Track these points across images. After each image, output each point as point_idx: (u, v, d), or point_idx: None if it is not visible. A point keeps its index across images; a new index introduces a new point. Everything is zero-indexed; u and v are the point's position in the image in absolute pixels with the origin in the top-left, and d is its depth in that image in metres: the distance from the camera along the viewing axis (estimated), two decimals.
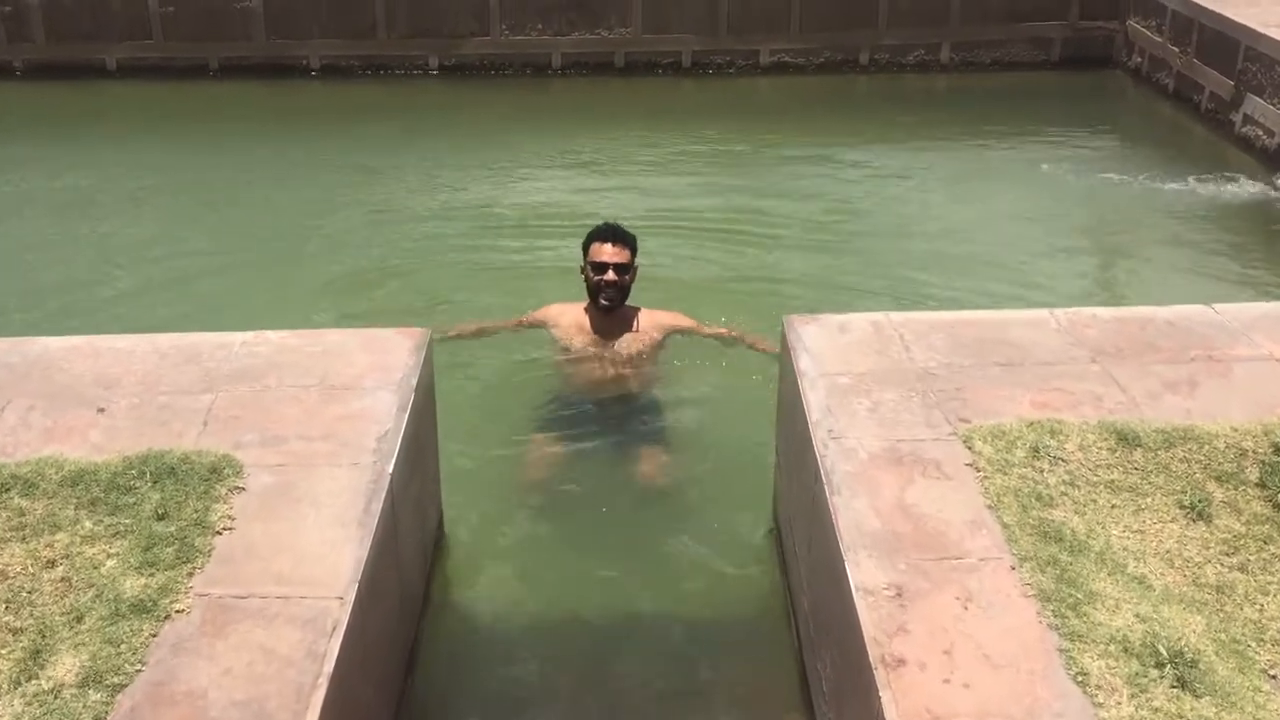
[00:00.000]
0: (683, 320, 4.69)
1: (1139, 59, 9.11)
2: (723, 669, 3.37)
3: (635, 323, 4.54)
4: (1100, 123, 8.42)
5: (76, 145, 7.68)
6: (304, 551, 2.60)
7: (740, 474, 4.16)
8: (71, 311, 5.22)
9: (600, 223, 4.52)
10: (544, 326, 4.68)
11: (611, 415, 4.41)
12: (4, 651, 2.32)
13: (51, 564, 2.56)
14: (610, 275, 4.36)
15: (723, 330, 4.76)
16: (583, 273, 4.48)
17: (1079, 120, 8.37)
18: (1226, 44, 7.85)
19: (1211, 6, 8.12)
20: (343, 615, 2.42)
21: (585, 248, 4.46)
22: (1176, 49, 8.51)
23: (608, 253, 4.37)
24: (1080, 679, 2.28)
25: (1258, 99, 7.42)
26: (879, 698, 2.26)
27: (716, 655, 3.42)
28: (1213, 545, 2.76)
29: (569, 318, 4.58)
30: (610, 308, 4.44)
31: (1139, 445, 3.03)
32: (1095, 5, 9.36)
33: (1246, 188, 6.92)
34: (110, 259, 5.83)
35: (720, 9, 9.11)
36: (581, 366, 4.50)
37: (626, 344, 4.51)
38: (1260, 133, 7.39)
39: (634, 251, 4.44)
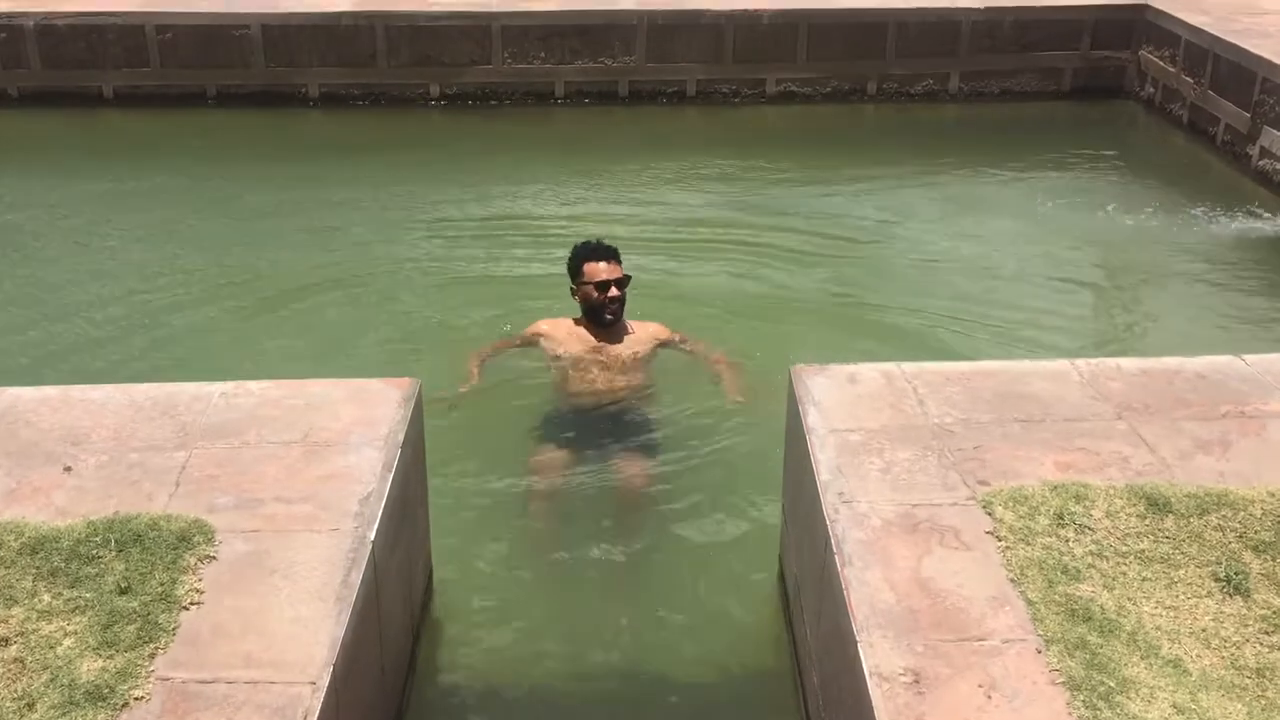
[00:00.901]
0: (665, 332, 4.74)
1: (1152, 89, 8.96)
2: None
3: (629, 329, 4.62)
4: (1113, 155, 8.25)
5: (69, 175, 7.53)
6: (276, 630, 2.42)
7: (745, 500, 4.05)
8: (58, 349, 5.06)
9: (583, 241, 4.57)
10: (537, 342, 4.68)
11: (612, 422, 4.39)
12: None
13: (5, 642, 2.38)
14: (614, 291, 4.44)
15: (700, 346, 4.80)
16: (574, 293, 4.54)
17: (1091, 152, 8.20)
18: (1243, 75, 7.69)
19: (1226, 37, 7.97)
20: (315, 703, 2.24)
21: (575, 268, 4.51)
22: (1191, 80, 8.36)
23: (605, 270, 4.45)
24: None
25: (1275, 131, 7.26)
26: None
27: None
28: (1251, 623, 2.57)
29: (563, 330, 4.62)
30: (614, 322, 4.51)
31: (1170, 511, 2.85)
32: (1106, 35, 9.20)
33: (1266, 223, 6.74)
34: (97, 295, 5.64)
35: (725, 38, 8.97)
36: (582, 373, 4.52)
37: (623, 349, 4.57)
38: (1279, 166, 7.22)
39: (621, 262, 4.52)
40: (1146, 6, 9.11)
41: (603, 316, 4.48)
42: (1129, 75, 9.25)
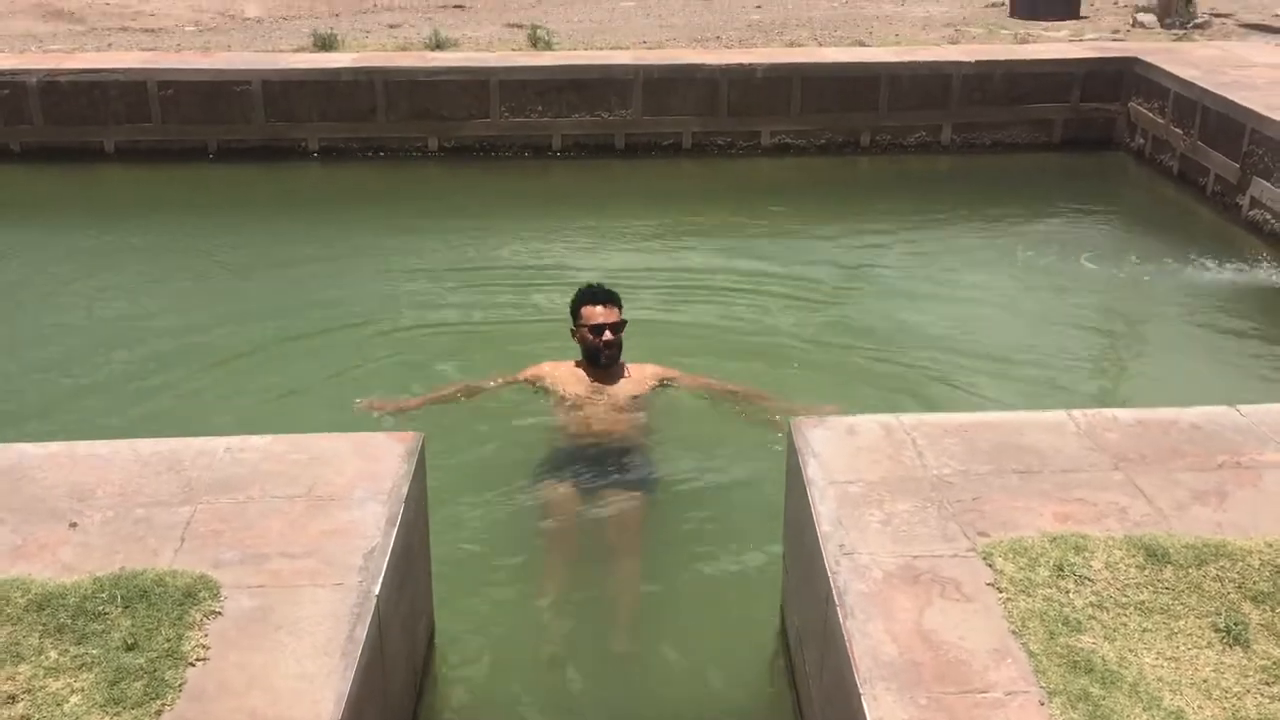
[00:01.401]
0: (664, 372, 4.88)
1: (1142, 141, 9.07)
2: None
3: (628, 372, 4.75)
4: (1104, 205, 8.34)
5: (70, 229, 7.59)
6: (281, 686, 2.43)
7: (746, 548, 4.09)
8: (59, 404, 5.06)
9: (585, 285, 4.75)
10: (538, 382, 4.81)
11: (613, 460, 4.45)
12: None
13: (12, 699, 2.39)
14: (609, 335, 4.60)
15: (699, 381, 4.94)
16: (574, 334, 4.71)
17: (1083, 202, 8.30)
18: (1231, 127, 7.80)
19: (1215, 89, 8.09)
20: None
21: (575, 310, 4.70)
22: (1180, 131, 8.47)
23: (601, 314, 4.62)
24: None
25: (1265, 182, 7.35)
26: None
27: None
28: (1251, 673, 2.58)
29: (563, 371, 4.76)
30: (610, 365, 4.66)
31: (1169, 562, 2.87)
32: (1096, 87, 9.34)
33: (1257, 272, 6.81)
34: (102, 348, 5.68)
35: (720, 91, 9.09)
36: (583, 412, 4.64)
37: (623, 390, 4.70)
38: (1268, 216, 7.31)
39: (620, 307, 4.68)
40: (1135, 60, 9.25)
41: (598, 359, 4.65)
42: (1119, 127, 9.37)
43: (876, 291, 6.65)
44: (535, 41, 10.51)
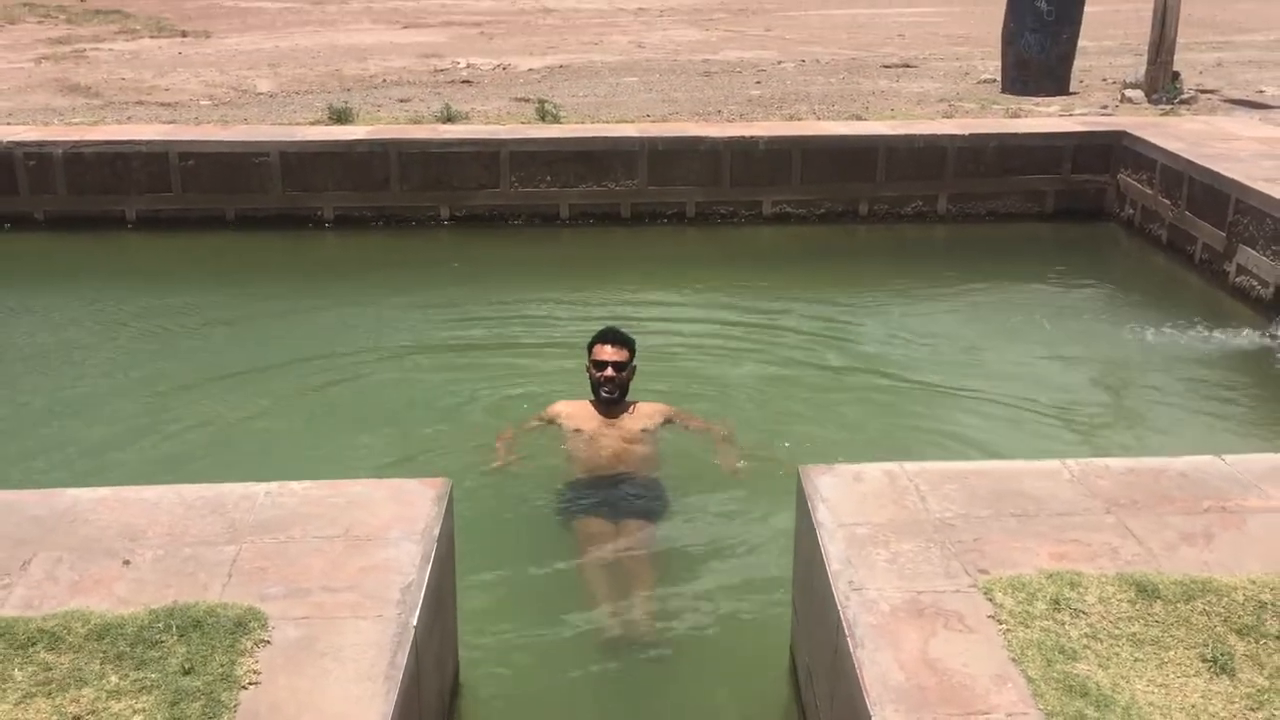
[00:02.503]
0: (669, 410, 5.32)
1: (1131, 211, 9.37)
2: None
3: (635, 409, 5.17)
4: (1095, 273, 8.60)
5: (93, 294, 7.82)
6: (329, 708, 2.60)
7: (751, 588, 4.31)
8: (96, 461, 5.27)
9: (603, 328, 5.22)
10: (555, 420, 5.23)
11: (624, 489, 4.83)
12: None
13: (78, 719, 2.55)
14: (609, 372, 5.03)
15: (699, 422, 5.40)
16: (587, 371, 5.14)
17: (1074, 270, 8.56)
18: (1217, 197, 8.08)
19: (1201, 161, 8.39)
20: None
21: (590, 347, 5.14)
22: (1168, 201, 8.76)
23: (608, 353, 5.06)
24: None
25: (1250, 250, 7.62)
26: None
27: None
28: (1237, 700, 2.75)
29: (576, 408, 5.20)
30: (610, 399, 5.07)
31: (1158, 597, 3.05)
32: (1086, 160, 9.66)
33: (1243, 337, 7.03)
34: (126, 406, 5.90)
35: (723, 163, 9.40)
36: (595, 444, 5.03)
37: (630, 423, 5.11)
38: (1254, 283, 7.56)
39: (632, 352, 5.13)
40: (1124, 133, 9.59)
41: (599, 392, 5.06)
42: (1109, 197, 9.68)
43: (875, 350, 6.89)
44: (543, 115, 10.85)
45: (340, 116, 10.56)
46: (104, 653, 2.75)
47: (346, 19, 22.14)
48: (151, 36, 19.23)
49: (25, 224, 9.10)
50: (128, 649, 2.76)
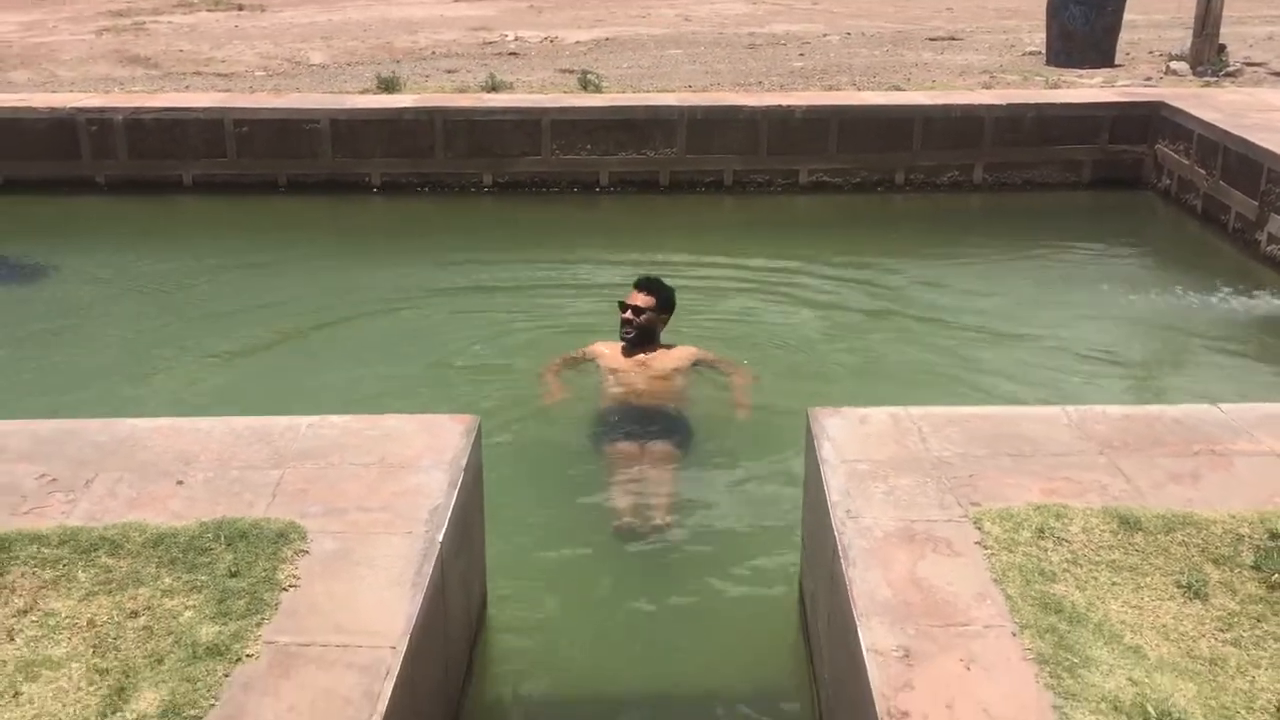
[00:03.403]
0: (698, 352, 5.62)
1: (1168, 180, 9.41)
2: None
3: (667, 352, 5.51)
4: (1130, 241, 8.68)
5: (155, 253, 8.17)
6: (361, 607, 2.85)
7: (765, 514, 4.57)
8: (153, 397, 5.67)
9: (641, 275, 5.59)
10: (592, 358, 5.61)
11: (653, 419, 5.19)
12: (92, 689, 2.58)
13: (135, 614, 2.83)
14: (627, 314, 5.38)
15: (729, 365, 5.70)
16: None
17: (1109, 238, 8.63)
18: (1251, 166, 8.12)
19: (1236, 131, 8.42)
20: (395, 663, 2.66)
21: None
22: (1203, 171, 8.80)
23: (632, 297, 5.42)
24: None
25: None
26: None
27: None
28: (1208, 621, 2.93)
29: (612, 349, 5.54)
30: (627, 340, 5.39)
31: (1140, 529, 3.22)
32: (1124, 130, 9.70)
33: (1273, 303, 7.10)
34: (185, 347, 6.31)
35: (760, 132, 9.56)
36: (627, 381, 5.39)
37: (663, 363, 5.44)
38: None
39: (662, 301, 5.44)
40: (1162, 104, 9.61)
41: (621, 334, 5.40)
42: (1146, 167, 9.72)
43: (903, 306, 7.08)
44: (585, 85, 11.05)
45: (389, 86, 10.83)
46: (159, 558, 3.03)
47: None
48: (209, 10, 19.65)
49: (87, 187, 9.46)
50: (180, 555, 3.03)
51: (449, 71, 13.19)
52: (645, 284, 5.47)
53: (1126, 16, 13.68)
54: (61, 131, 9.44)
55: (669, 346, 5.55)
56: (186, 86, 12.24)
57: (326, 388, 5.74)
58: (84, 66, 14.00)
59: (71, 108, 9.52)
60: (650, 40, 15.99)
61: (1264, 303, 7.05)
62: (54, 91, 11.42)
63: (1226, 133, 8.51)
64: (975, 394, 5.60)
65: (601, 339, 5.68)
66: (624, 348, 5.46)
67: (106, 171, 9.52)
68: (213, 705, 2.51)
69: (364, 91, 10.89)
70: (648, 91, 11.00)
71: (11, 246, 8.15)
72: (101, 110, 9.50)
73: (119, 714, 2.50)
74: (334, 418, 3.81)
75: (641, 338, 5.41)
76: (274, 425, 3.75)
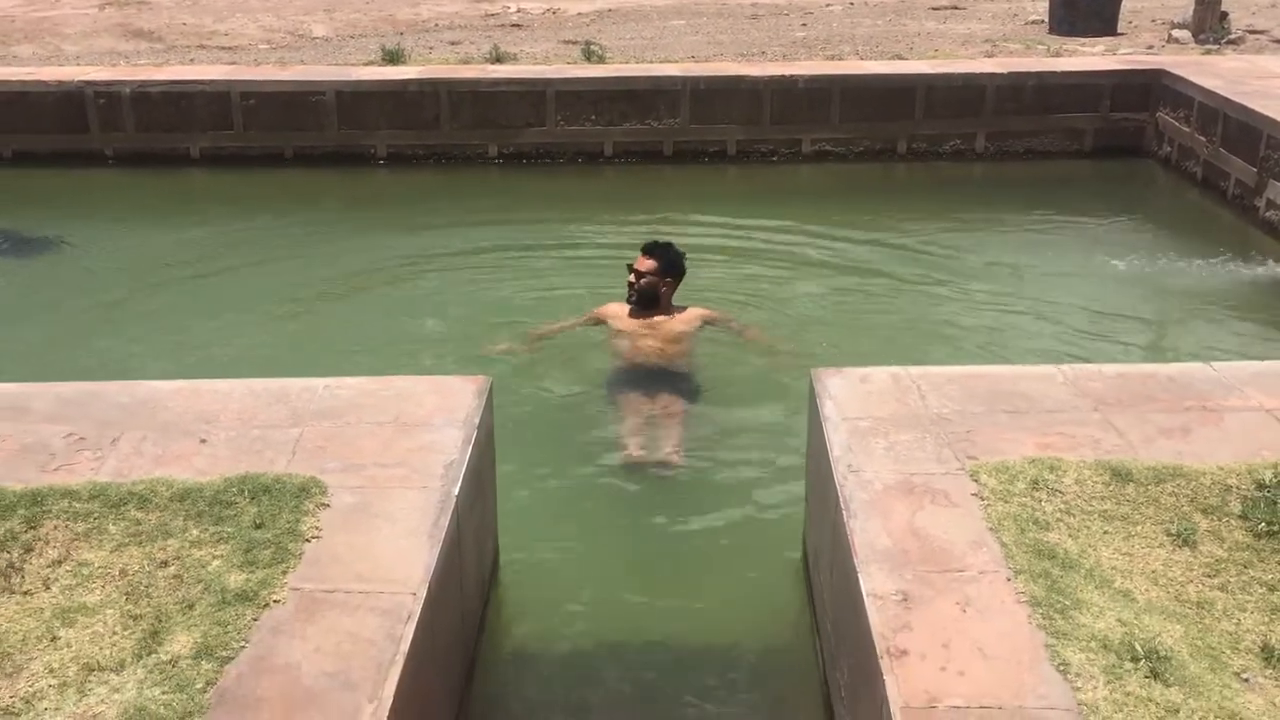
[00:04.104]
0: (708, 312, 5.80)
1: (1169, 148, 9.47)
2: (754, 688, 3.67)
3: (677, 314, 5.65)
4: (1131, 208, 8.75)
5: (165, 226, 8.27)
6: (381, 556, 2.97)
7: (772, 483, 4.68)
8: (173, 360, 5.81)
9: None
10: (603, 318, 5.77)
11: (661, 378, 5.34)
12: (126, 633, 2.70)
13: (165, 564, 2.95)
14: (631, 277, 5.56)
15: (738, 325, 5.90)
16: None
17: (1111, 206, 8.71)
18: (1250, 134, 8.19)
19: (1236, 98, 8.48)
20: (415, 608, 2.78)
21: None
22: (1204, 138, 8.86)
23: (639, 261, 5.58)
24: (1062, 668, 2.58)
25: None
26: (883, 683, 2.57)
27: (749, 676, 3.73)
28: (1196, 568, 3.04)
29: (624, 310, 5.69)
30: (632, 302, 5.56)
31: (1131, 480, 3.34)
32: (1125, 98, 9.75)
33: (1271, 268, 7.19)
34: (199, 315, 6.43)
35: (764, 101, 9.62)
36: (636, 342, 5.55)
37: (671, 325, 5.60)
38: None
39: (666, 265, 5.56)
40: (1162, 71, 9.66)
41: (628, 297, 5.57)
42: (1147, 135, 9.78)
43: (906, 272, 7.17)
44: (589, 56, 11.11)
45: (393, 58, 10.90)
46: (186, 511, 3.15)
47: None
48: None
49: (95, 160, 9.54)
50: (206, 508, 3.15)
51: (452, 43, 13.24)
52: (650, 248, 5.61)
53: None
54: (69, 105, 9.52)
55: (680, 309, 5.68)
56: (191, 60, 12.31)
57: (338, 352, 5.86)
58: (88, 40, 14.06)
59: (79, 81, 9.60)
60: (653, 11, 16.01)
61: (1261, 268, 7.13)
62: (60, 65, 11.49)
63: (1226, 100, 8.56)
64: (975, 354, 5.73)
65: (614, 301, 5.84)
66: (630, 310, 5.61)
67: (114, 144, 9.61)
68: (243, 647, 2.63)
69: (368, 64, 10.96)
70: (651, 62, 11.06)
71: (21, 220, 8.24)
72: (109, 84, 9.58)
73: (154, 655, 2.62)
74: (349, 379, 3.93)
75: (644, 300, 5.56)
76: (291, 386, 3.87)
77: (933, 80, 9.71)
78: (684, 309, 5.71)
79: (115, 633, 2.70)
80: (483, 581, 3.84)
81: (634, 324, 5.59)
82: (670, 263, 5.60)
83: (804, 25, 14.33)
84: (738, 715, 3.55)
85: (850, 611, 2.99)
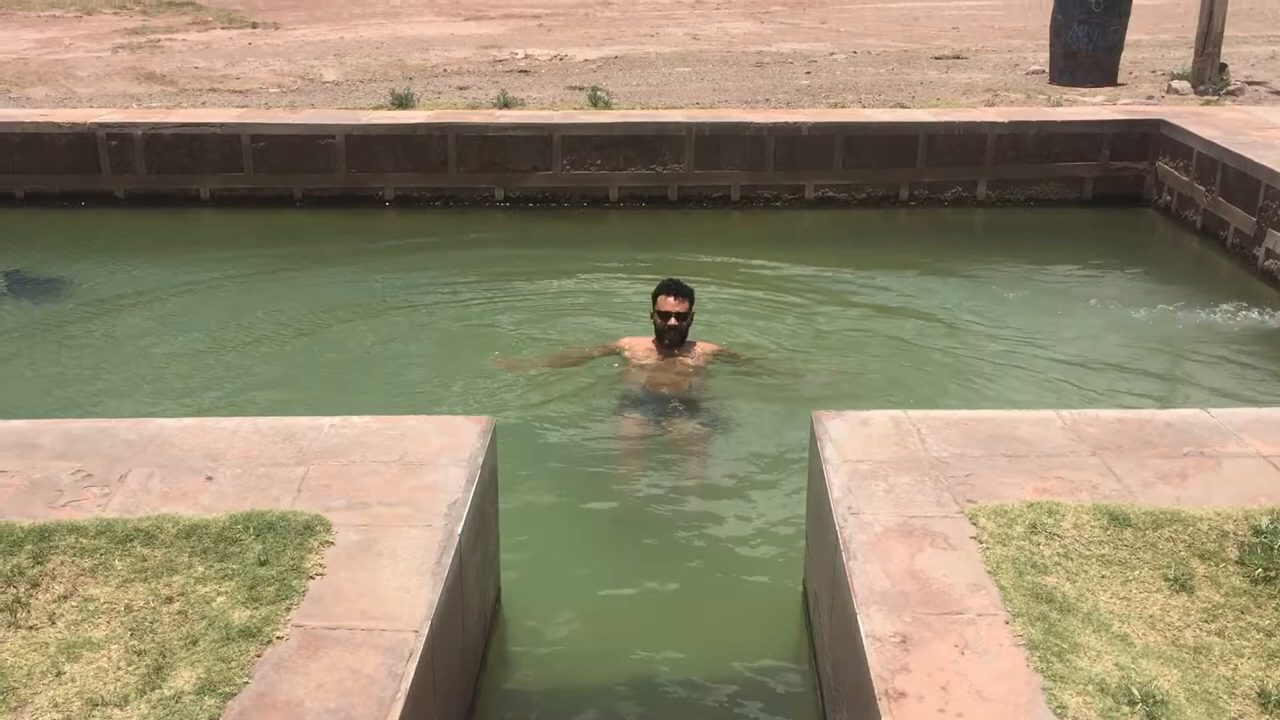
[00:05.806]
0: (723, 348, 5.98)
1: (1168, 197, 9.55)
2: None
3: (691, 349, 5.79)
4: (1131, 257, 8.81)
5: (174, 266, 8.34)
6: (384, 594, 3.00)
7: (776, 524, 4.73)
8: (179, 399, 5.86)
9: (668, 278, 5.79)
10: (618, 351, 5.91)
11: (675, 408, 5.49)
12: (131, 668, 2.73)
13: (170, 600, 2.98)
14: (673, 322, 5.64)
15: (749, 357, 6.10)
16: (652, 318, 5.75)
17: (1110, 254, 8.77)
18: (1248, 183, 8.27)
19: (1234, 149, 8.57)
20: (417, 645, 2.80)
21: (654, 298, 5.73)
22: (1203, 188, 8.95)
23: (671, 304, 5.64)
24: (1059, 711, 2.60)
25: (1279, 234, 7.80)
26: None
27: (749, 717, 3.73)
28: (1193, 613, 3.07)
29: (640, 345, 5.83)
30: (673, 346, 5.70)
31: (1129, 525, 3.36)
32: (1125, 147, 9.86)
33: (1270, 318, 7.23)
34: (204, 357, 6.47)
35: (767, 147, 9.72)
36: (652, 376, 5.68)
37: (685, 360, 5.73)
38: None
39: (692, 301, 5.70)
40: (1162, 121, 9.77)
41: (663, 339, 5.69)
42: (1147, 184, 9.87)
43: (907, 317, 7.23)
44: (595, 102, 11.25)
45: (402, 102, 11.03)
46: (191, 548, 3.18)
47: (410, 11, 22.70)
48: (223, 28, 19.91)
49: (106, 201, 9.65)
50: (211, 545, 3.18)
51: (461, 88, 13.39)
52: (678, 289, 5.68)
53: (1130, 36, 13.85)
54: (82, 146, 9.64)
55: (691, 344, 5.81)
56: (203, 103, 12.45)
57: (345, 392, 5.93)
58: (101, 83, 14.23)
59: (92, 123, 9.72)
60: (659, 58, 16.20)
61: (1260, 316, 7.18)
62: (73, 107, 11.63)
63: (1225, 150, 8.66)
64: (975, 398, 5.77)
65: (629, 334, 5.96)
66: (656, 346, 5.73)
67: (126, 186, 9.72)
68: (246, 683, 2.66)
69: (378, 108, 11.09)
70: (656, 108, 11.19)
71: (33, 260, 8.34)
72: (121, 125, 9.70)
73: (157, 691, 2.64)
74: (355, 418, 3.97)
75: (682, 340, 5.70)
76: (297, 425, 3.91)
77: (935, 129, 9.82)
78: (694, 344, 5.82)
79: (119, 668, 2.73)
80: (484, 619, 3.86)
81: (653, 358, 5.70)
82: (693, 300, 5.73)
83: (808, 74, 14.49)
84: None
85: (849, 653, 3.01)
